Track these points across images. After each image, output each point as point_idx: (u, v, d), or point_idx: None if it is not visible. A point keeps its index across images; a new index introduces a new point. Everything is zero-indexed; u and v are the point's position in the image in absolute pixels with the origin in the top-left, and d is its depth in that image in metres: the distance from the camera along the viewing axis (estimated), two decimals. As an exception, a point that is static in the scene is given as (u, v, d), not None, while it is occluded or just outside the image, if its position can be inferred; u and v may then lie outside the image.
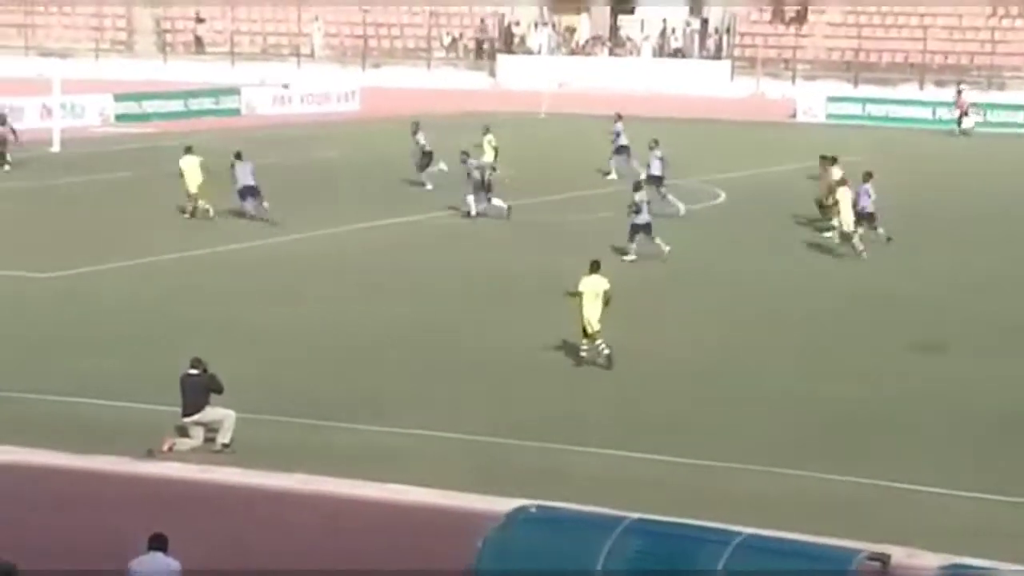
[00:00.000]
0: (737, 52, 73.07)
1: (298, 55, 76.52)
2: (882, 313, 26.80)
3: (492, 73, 75.44)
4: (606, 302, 22.29)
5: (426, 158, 40.28)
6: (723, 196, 40.10)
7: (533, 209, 37.11)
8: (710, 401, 21.20)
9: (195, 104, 60.37)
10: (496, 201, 35.51)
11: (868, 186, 32.86)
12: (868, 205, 32.44)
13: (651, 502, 15.86)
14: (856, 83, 68.56)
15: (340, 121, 58.09)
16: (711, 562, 12.02)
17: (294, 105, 62.75)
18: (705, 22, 75.30)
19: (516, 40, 76.58)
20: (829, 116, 62.39)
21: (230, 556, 15.40)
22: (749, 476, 17.98)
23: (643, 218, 30.67)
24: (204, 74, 71.70)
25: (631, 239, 30.64)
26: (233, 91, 62.75)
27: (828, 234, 32.77)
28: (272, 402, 20.12)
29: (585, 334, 22.30)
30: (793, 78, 70.52)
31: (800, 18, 73.70)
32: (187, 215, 34.88)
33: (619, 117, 44.01)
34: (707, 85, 71.00)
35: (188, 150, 36.01)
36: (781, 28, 73.85)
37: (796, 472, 18.06)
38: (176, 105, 59.72)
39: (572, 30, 77.22)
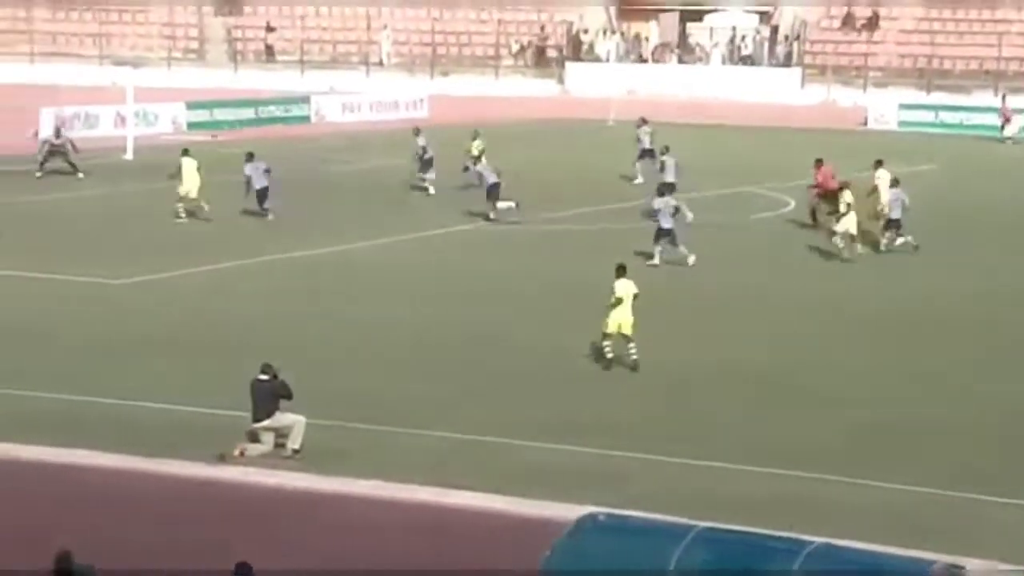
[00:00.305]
0: (807, 59, 72.61)
1: (367, 63, 76.87)
2: (932, 322, 26.65)
3: (560, 80, 75.41)
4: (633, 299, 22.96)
5: (426, 162, 40.83)
6: (792, 204, 39.90)
7: (591, 218, 37.09)
8: (763, 409, 21.11)
9: (265, 112, 60.77)
10: (501, 203, 35.78)
11: (899, 191, 32.79)
12: (897, 212, 32.45)
13: (713, 510, 15.80)
14: (929, 90, 67.87)
15: (408, 128, 58.27)
16: (782, 571, 11.91)
17: (363, 113, 63.00)
18: (775, 29, 74.88)
19: (584, 48, 76.52)
20: (901, 123, 61.83)
21: (299, 559, 15.49)
22: (811, 484, 17.85)
23: (665, 224, 30.78)
24: (274, 82, 72.20)
25: (656, 242, 30.82)
26: (303, 99, 63.15)
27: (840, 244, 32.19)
28: (340, 408, 20.21)
29: (606, 335, 22.77)
30: (864, 85, 69.93)
31: (871, 25, 73.10)
32: (182, 218, 35.56)
33: (644, 122, 44.23)
34: (777, 92, 70.58)
35: (185, 152, 36.77)
36: (852, 35, 73.29)
37: (862, 481, 17.91)
38: (247, 113, 60.15)
39: (645, 38, 76.96)
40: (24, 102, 52.92)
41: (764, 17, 76.03)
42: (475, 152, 39.90)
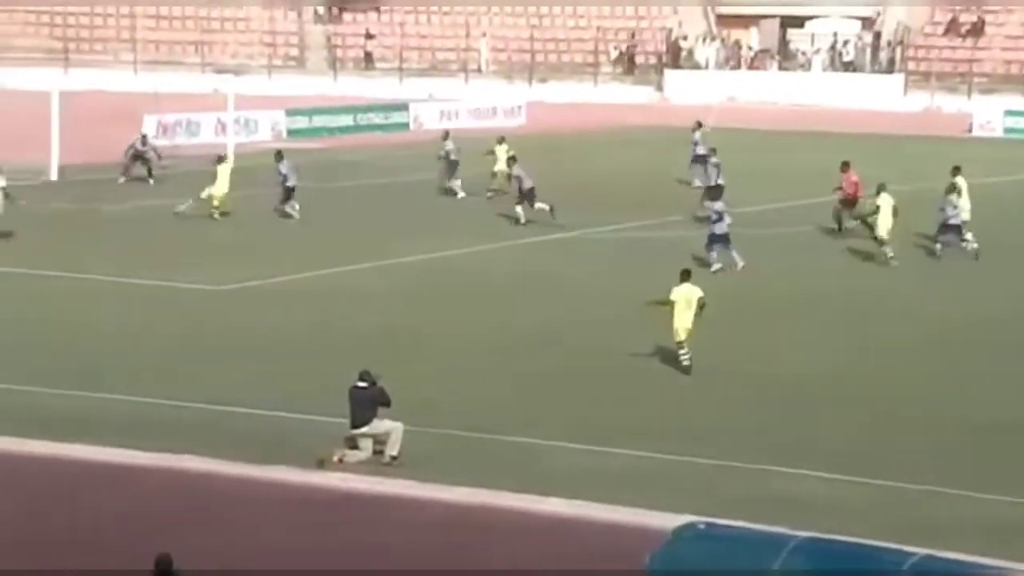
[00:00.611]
0: (911, 66, 71.77)
1: (466, 70, 77.18)
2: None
3: (659, 87, 75.18)
4: (701, 308, 22.53)
5: (452, 166, 41.22)
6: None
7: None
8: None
9: (364, 119, 61.17)
10: (539, 204, 35.90)
11: (952, 197, 32.75)
12: (952, 217, 32.51)
13: (816, 522, 15.62)
14: (1035, 97, 66.85)
15: (506, 136, 58.40)
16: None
17: (461, 120, 63.17)
18: (878, 35, 74.10)
19: (684, 54, 76.23)
20: (1007, 130, 60.89)
21: (396, 563, 15.52)
22: (913, 496, 17.60)
23: (722, 228, 30.62)
24: (373, 89, 72.70)
25: (709, 249, 30.62)
26: (402, 106, 63.48)
27: (891, 255, 32.10)
28: (438, 414, 20.24)
29: (679, 343, 22.55)
30: (969, 92, 68.99)
31: (976, 31, 72.09)
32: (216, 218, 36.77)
33: (699, 125, 43.98)
34: (879, 99, 69.85)
35: (221, 159, 38.11)
36: (956, 41, 72.32)
37: (961, 492, 17.64)
38: (346, 120, 60.58)
39: (748, 46, 76.44)
40: (128, 110, 53.68)
41: (866, 23, 75.26)
42: (503, 157, 40.20)
